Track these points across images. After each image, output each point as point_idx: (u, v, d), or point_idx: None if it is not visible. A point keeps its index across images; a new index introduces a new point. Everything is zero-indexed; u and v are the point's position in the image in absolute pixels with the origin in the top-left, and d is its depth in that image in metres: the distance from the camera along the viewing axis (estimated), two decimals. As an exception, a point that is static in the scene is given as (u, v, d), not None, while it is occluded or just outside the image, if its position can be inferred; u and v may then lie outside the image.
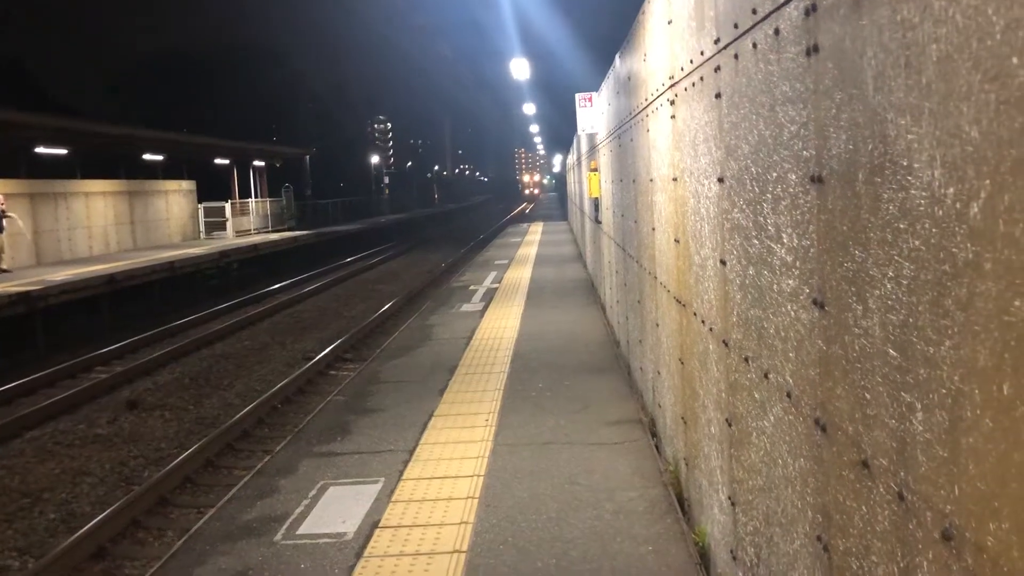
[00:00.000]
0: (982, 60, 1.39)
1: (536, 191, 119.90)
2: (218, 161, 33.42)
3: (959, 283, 1.50)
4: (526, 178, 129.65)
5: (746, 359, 3.19)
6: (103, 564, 6.58)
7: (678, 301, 4.94)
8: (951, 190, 1.51)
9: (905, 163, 1.71)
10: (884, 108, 1.80)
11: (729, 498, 3.65)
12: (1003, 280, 1.35)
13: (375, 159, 75.21)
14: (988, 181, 1.38)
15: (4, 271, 18.35)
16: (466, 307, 13.95)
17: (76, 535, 6.70)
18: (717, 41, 3.43)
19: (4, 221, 18.51)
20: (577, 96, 12.90)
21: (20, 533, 7.26)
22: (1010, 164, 1.31)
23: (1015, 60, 1.29)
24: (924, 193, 1.62)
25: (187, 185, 30.51)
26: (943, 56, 1.52)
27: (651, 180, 6.05)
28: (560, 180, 60.35)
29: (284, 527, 5.04)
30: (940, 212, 1.56)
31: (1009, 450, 1.35)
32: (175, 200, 29.34)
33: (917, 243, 1.67)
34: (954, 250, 1.51)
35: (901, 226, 1.74)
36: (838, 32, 2.07)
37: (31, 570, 6.21)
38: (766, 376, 2.91)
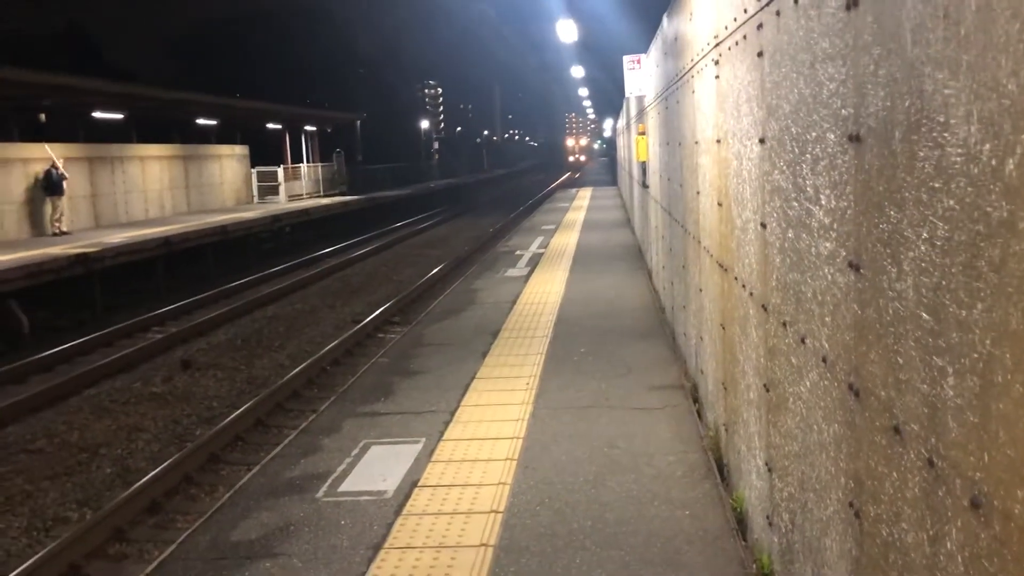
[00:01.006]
0: (1021, 9, 1.32)
1: (583, 157, 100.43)
2: (270, 126, 33.75)
3: (992, 244, 1.44)
4: (569, 142, 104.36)
5: (784, 324, 3.14)
6: (156, 518, 6.79)
7: (720, 265, 4.87)
8: (987, 146, 1.45)
9: (941, 119, 1.64)
10: (922, 62, 1.74)
11: (766, 464, 3.62)
12: (1037, 239, 1.30)
13: (425, 124, 75.28)
14: (1024, 136, 1.32)
15: (64, 233, 18.85)
16: (511, 272, 13.96)
17: (131, 489, 6.91)
18: (760, -3, 3.34)
19: (64, 184, 18.97)
20: (625, 58, 12.71)
21: (78, 486, 7.52)
22: (1046, 118, 1.25)
23: (1054, 7, 1.23)
24: (959, 150, 1.56)
25: (240, 150, 30.89)
26: (982, 5, 1.46)
27: (696, 143, 5.95)
28: (610, 145, 59.69)
29: (326, 484, 5.14)
30: (975, 170, 1.50)
31: (1038, 416, 1.31)
32: (228, 165, 29.74)
33: (952, 202, 1.61)
34: (988, 209, 1.45)
35: (936, 185, 1.68)
36: (878, -16, 1.99)
37: (89, 521, 6.43)
38: (803, 341, 2.86)
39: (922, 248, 1.77)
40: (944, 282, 1.66)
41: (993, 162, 1.43)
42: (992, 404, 1.46)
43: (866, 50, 2.10)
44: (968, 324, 1.56)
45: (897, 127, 1.90)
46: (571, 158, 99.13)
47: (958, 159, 1.57)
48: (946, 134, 1.62)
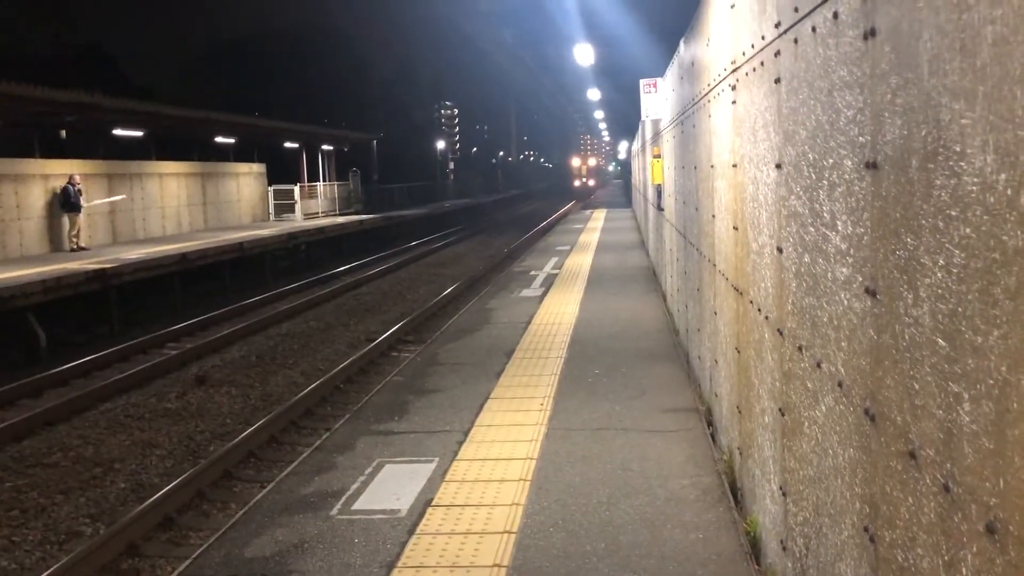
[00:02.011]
0: (1036, 42, 1.35)
1: (591, 182, 77.62)
2: (288, 145, 34.04)
3: (1008, 271, 1.47)
4: (575, 162, 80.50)
5: (800, 348, 3.15)
6: (169, 533, 6.81)
7: (735, 289, 4.89)
8: (1003, 176, 1.48)
9: (958, 148, 1.67)
10: (939, 92, 1.77)
11: (780, 488, 3.62)
12: (1051, 269, 1.32)
13: (441, 144, 75.64)
14: (1039, 167, 1.35)
15: (82, 249, 19.04)
16: (526, 292, 13.99)
17: (144, 504, 6.95)
18: (778, 25, 3.38)
19: (81, 200, 19.18)
20: (641, 82, 12.78)
21: (92, 501, 7.56)
22: (1061, 149, 1.28)
23: (1069, 42, 1.26)
24: (976, 179, 1.59)
25: (257, 168, 31.15)
26: (999, 38, 1.49)
27: (712, 166, 5.98)
28: (625, 167, 59.70)
29: (340, 502, 5.16)
30: (991, 199, 1.52)
31: (1053, 442, 1.32)
32: (246, 182, 29.98)
33: (968, 230, 1.63)
34: (1004, 238, 1.48)
35: (952, 213, 1.70)
36: (895, 15, 2.02)
37: (102, 536, 6.46)
38: (819, 365, 2.87)
39: (938, 275, 1.79)
40: (960, 309, 1.68)
41: (1009, 192, 1.45)
42: (1007, 430, 1.48)
43: (883, 79, 2.13)
44: (984, 351, 1.58)
45: (914, 155, 1.92)
46: (577, 182, 76.49)
47: (974, 188, 1.60)
48: (962, 163, 1.65)
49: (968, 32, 1.61)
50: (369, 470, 5.70)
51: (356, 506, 5.09)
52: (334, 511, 5.04)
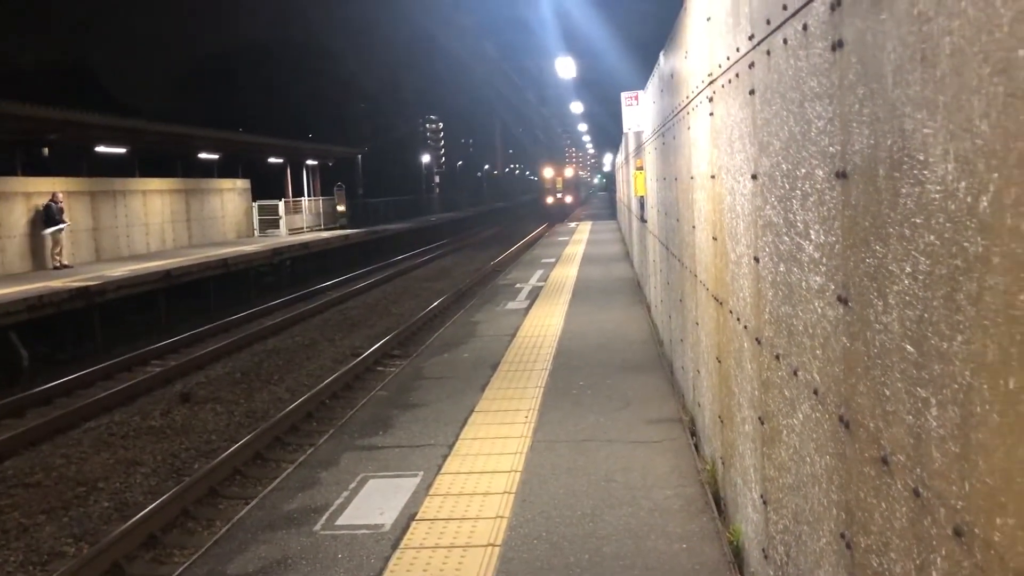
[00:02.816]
0: (991, 53, 1.38)
1: (569, 198, 60.44)
2: (272, 160, 33.99)
3: (970, 278, 1.49)
4: (547, 173, 61.81)
5: (777, 356, 3.18)
6: (154, 552, 6.76)
7: (716, 299, 4.92)
8: (963, 184, 1.50)
9: (921, 157, 1.70)
10: (902, 102, 1.80)
11: (761, 496, 3.63)
12: (1010, 274, 1.34)
13: (426, 158, 75.76)
14: (996, 175, 1.38)
15: (65, 266, 18.92)
16: (511, 305, 14.00)
17: (128, 523, 6.89)
18: (751, 37, 3.42)
19: (64, 217, 19.08)
20: (623, 95, 12.86)
21: (75, 520, 7.50)
22: (1016, 157, 1.31)
23: (1022, 52, 1.28)
24: (938, 187, 1.61)
25: (242, 184, 31.08)
26: (956, 49, 1.52)
27: (692, 177, 6.02)
28: (610, 179, 59.67)
29: (324, 518, 5.14)
30: (953, 206, 1.55)
31: (1015, 445, 1.34)
32: (230, 198, 29.91)
33: (932, 238, 1.66)
34: (965, 244, 1.50)
35: (918, 221, 1.73)
36: (860, 26, 2.06)
37: (85, 556, 6.41)
38: (795, 373, 2.89)
39: (906, 282, 1.82)
40: (926, 315, 1.71)
41: (969, 199, 1.48)
42: (972, 434, 1.50)
43: (851, 90, 2.16)
44: (949, 356, 1.60)
45: (881, 164, 1.95)
46: (550, 199, 60.36)
47: (937, 196, 1.62)
48: (926, 172, 1.68)
49: (928, 43, 1.64)
50: (353, 485, 5.68)
51: (340, 521, 5.07)
52: (318, 527, 5.02)
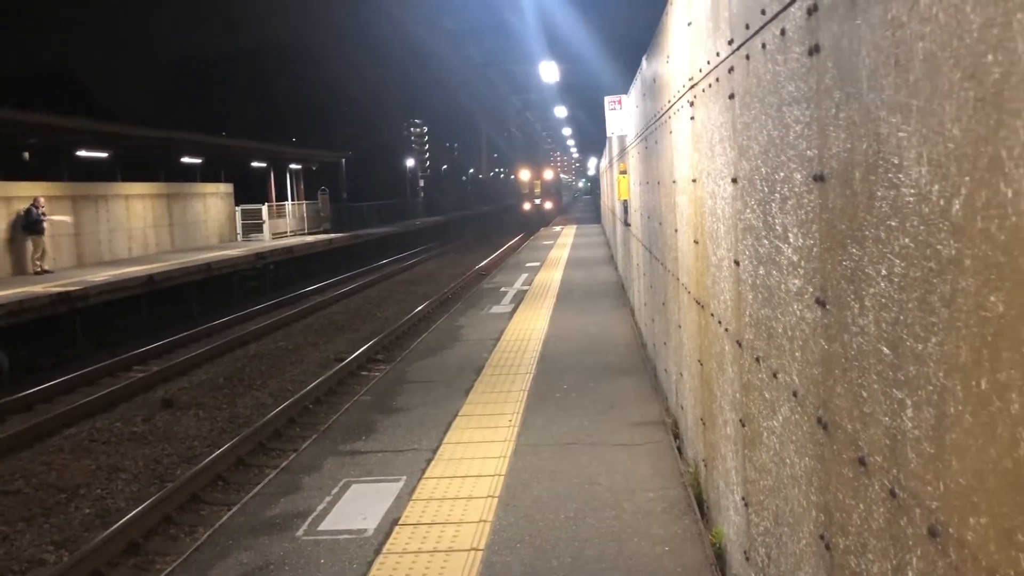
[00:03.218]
0: (962, 58, 1.40)
1: (548, 204, 55.71)
2: (255, 164, 33.84)
3: (943, 280, 1.51)
4: (524, 175, 57.52)
5: (757, 359, 3.19)
6: (135, 559, 6.71)
7: (697, 303, 4.94)
8: (936, 187, 1.52)
9: (896, 161, 1.71)
10: (877, 106, 1.81)
11: (743, 499, 3.65)
12: (980, 276, 1.36)
13: (411, 162, 75.63)
14: (968, 178, 1.39)
15: (46, 271, 18.77)
16: (496, 309, 14.00)
17: (110, 530, 6.84)
18: (731, 42, 3.44)
19: (45, 223, 18.92)
20: (606, 99, 12.90)
21: (56, 527, 7.44)
22: (987, 161, 1.32)
23: (990, 57, 1.30)
24: (912, 191, 1.63)
25: (225, 188, 30.93)
26: (928, 54, 1.53)
27: (674, 182, 6.05)
28: (594, 183, 59.62)
29: (306, 523, 5.12)
30: (927, 209, 1.57)
31: (986, 445, 1.36)
32: (213, 203, 29.76)
33: (907, 240, 1.68)
34: (939, 247, 1.52)
35: (893, 224, 1.75)
36: (836, 31, 2.08)
37: (65, 563, 6.35)
38: (775, 376, 2.91)
39: (882, 284, 1.83)
40: (902, 317, 1.72)
41: (942, 202, 1.49)
42: (946, 435, 1.52)
43: (828, 94, 2.18)
44: (923, 357, 1.61)
45: (857, 168, 1.97)
46: (527, 205, 55.29)
47: (911, 199, 1.64)
48: (900, 175, 1.69)
49: (902, 48, 1.66)
50: (336, 490, 5.66)
51: (322, 527, 5.06)
52: (300, 532, 5.00)
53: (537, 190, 55.66)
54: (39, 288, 15.38)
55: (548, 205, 55.73)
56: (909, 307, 1.68)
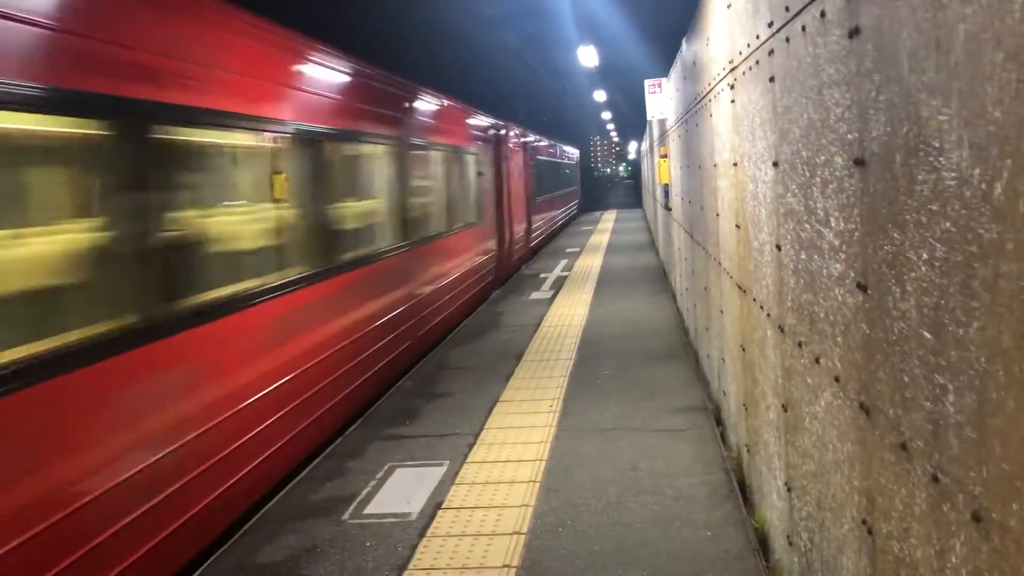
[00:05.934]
0: (1004, 39, 1.38)
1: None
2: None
3: (985, 264, 1.49)
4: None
5: (799, 344, 3.18)
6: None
7: (739, 287, 4.91)
8: (977, 171, 1.50)
9: (937, 144, 1.70)
10: (918, 89, 1.80)
11: (785, 484, 3.64)
12: (1023, 260, 1.35)
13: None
14: (1010, 161, 1.38)
15: None
16: (535, 295, 14.02)
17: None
18: (771, 24, 3.41)
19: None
20: (646, 83, 12.81)
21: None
22: (1029, 143, 1.31)
23: (1033, 39, 1.29)
24: (953, 174, 1.62)
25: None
26: (970, 36, 1.52)
27: (714, 165, 6.01)
28: (635, 167, 59.50)
29: (351, 507, 5.21)
30: (968, 193, 1.55)
31: (1029, 430, 1.35)
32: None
33: (948, 224, 1.66)
34: (980, 231, 1.51)
35: (934, 208, 1.73)
36: (877, 13, 2.05)
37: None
38: (817, 361, 2.89)
39: (923, 269, 1.82)
40: (943, 302, 1.71)
41: (983, 186, 1.48)
42: (988, 420, 1.51)
43: (868, 76, 2.16)
44: (965, 342, 1.60)
45: (898, 151, 1.95)
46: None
47: (952, 183, 1.62)
48: (941, 159, 1.68)
49: (943, 30, 1.64)
50: (380, 474, 5.75)
51: (367, 510, 5.14)
52: (345, 515, 5.08)
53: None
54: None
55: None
56: (951, 292, 1.67)
